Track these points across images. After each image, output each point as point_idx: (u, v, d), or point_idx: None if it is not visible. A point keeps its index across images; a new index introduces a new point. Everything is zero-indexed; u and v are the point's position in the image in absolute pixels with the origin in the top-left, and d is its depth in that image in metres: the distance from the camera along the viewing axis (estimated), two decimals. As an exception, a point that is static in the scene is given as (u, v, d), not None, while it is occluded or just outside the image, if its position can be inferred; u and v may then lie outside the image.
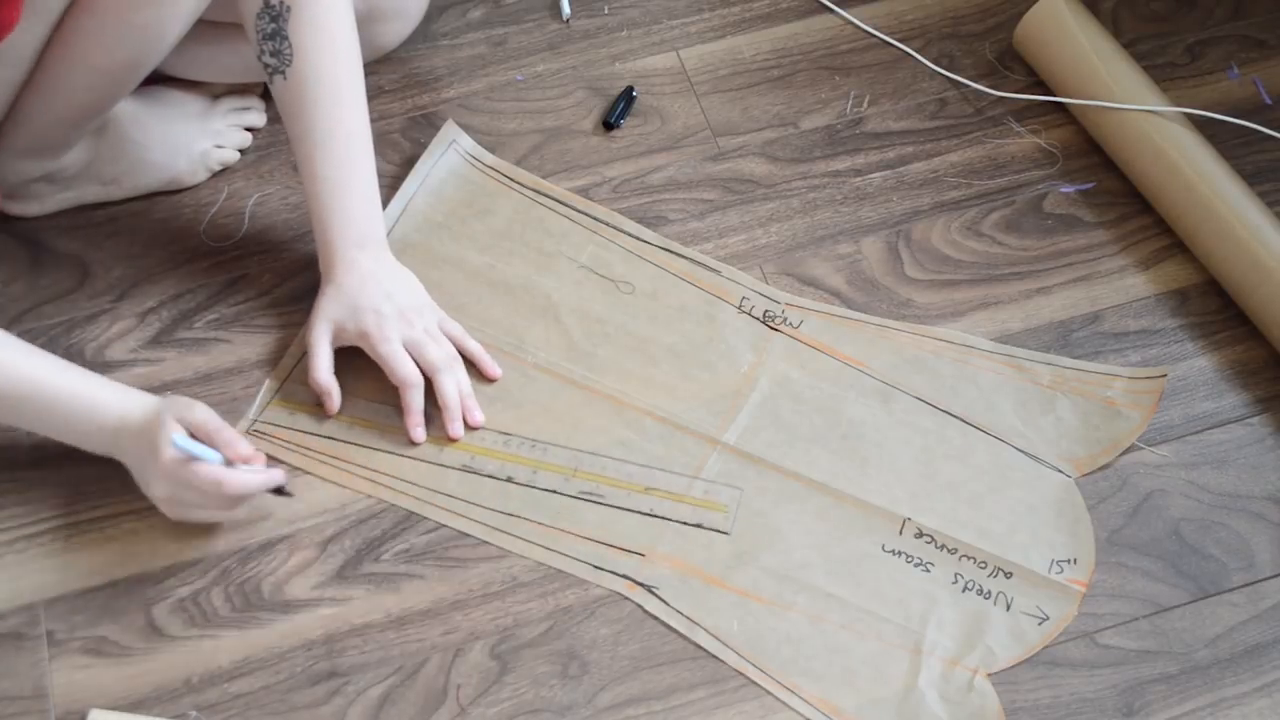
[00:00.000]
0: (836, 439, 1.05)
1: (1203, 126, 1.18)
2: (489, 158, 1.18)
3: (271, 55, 1.01)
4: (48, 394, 0.93)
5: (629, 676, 0.95)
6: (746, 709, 0.94)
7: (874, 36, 1.28)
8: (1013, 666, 0.96)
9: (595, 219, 1.15)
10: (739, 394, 1.07)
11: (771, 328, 1.10)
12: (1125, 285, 1.14)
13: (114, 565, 0.98)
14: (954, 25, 1.29)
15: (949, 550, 1.00)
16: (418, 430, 1.03)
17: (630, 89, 1.23)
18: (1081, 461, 1.05)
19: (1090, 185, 1.20)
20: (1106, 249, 1.16)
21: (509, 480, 1.02)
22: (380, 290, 1.03)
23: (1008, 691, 0.95)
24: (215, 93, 1.17)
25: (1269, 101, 1.25)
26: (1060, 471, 1.04)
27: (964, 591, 0.99)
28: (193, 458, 0.92)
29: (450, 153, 1.18)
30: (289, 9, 0.99)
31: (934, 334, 1.10)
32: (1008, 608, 0.98)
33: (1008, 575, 0.99)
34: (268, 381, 1.06)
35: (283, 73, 1.01)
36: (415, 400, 1.03)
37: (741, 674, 0.96)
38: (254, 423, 1.04)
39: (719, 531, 1.00)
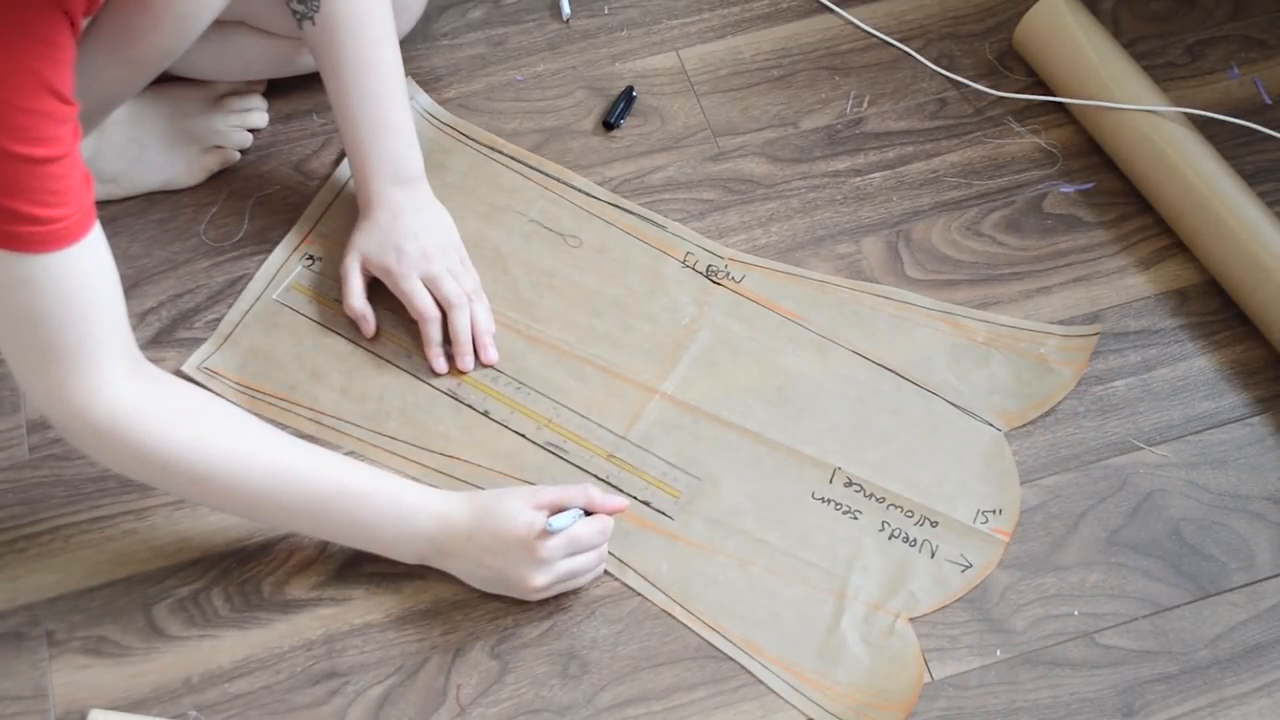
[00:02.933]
0: (772, 390, 1.07)
1: (1203, 126, 1.18)
2: (445, 115, 1.21)
3: (299, 1, 1.03)
4: (353, 501, 0.92)
5: (629, 676, 0.96)
6: (747, 709, 0.94)
7: (874, 36, 1.28)
8: (934, 611, 0.98)
9: (547, 175, 1.18)
10: (679, 345, 1.09)
11: (714, 282, 1.12)
12: (1125, 285, 1.14)
13: (114, 565, 0.98)
14: (954, 25, 1.29)
15: (877, 499, 1.02)
16: (437, 361, 1.07)
17: (630, 89, 1.23)
18: (1012, 416, 1.07)
19: (1090, 185, 1.20)
20: (1106, 249, 1.16)
21: (485, 414, 1.05)
22: (408, 228, 1.06)
23: (1007, 691, 0.95)
24: (218, 92, 1.17)
25: (1269, 101, 1.25)
26: (991, 425, 1.06)
27: (890, 539, 1.01)
28: (559, 530, 0.91)
29: None
30: None
31: (873, 289, 1.12)
32: (932, 555, 1.00)
33: (933, 524, 1.02)
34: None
35: (311, 18, 1.03)
36: (433, 333, 1.06)
37: (669, 614, 0.98)
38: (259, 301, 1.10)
39: (663, 514, 1.01)
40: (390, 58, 1.06)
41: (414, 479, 0.96)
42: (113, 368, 0.84)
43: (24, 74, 0.72)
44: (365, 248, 1.07)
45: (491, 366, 1.07)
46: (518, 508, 0.92)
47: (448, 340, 1.07)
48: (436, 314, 1.06)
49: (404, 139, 1.07)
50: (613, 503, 0.96)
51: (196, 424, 0.88)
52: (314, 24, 1.04)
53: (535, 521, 0.91)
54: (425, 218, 1.08)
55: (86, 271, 0.80)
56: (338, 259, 1.10)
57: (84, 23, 0.77)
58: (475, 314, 1.07)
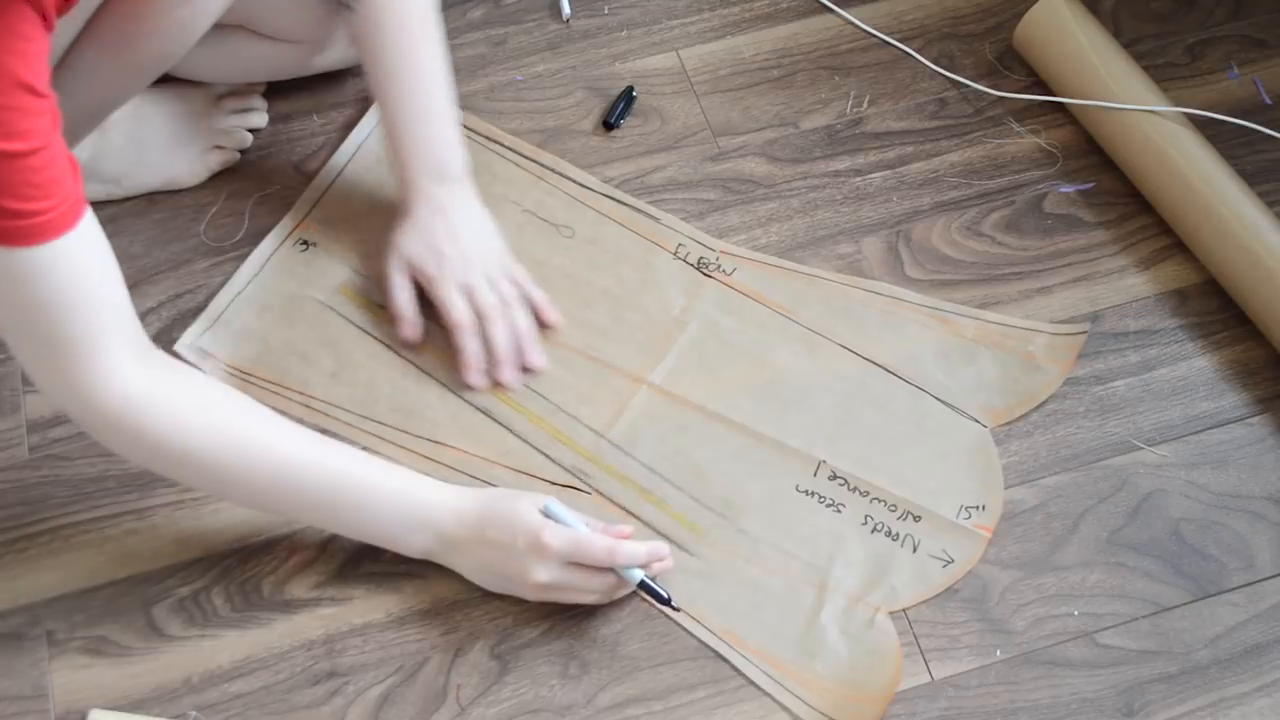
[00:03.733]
0: (760, 383, 1.07)
1: (1203, 126, 1.18)
2: None
3: None
4: (364, 492, 0.92)
5: (629, 676, 0.96)
6: (746, 709, 0.94)
7: (874, 36, 1.28)
8: (915, 605, 0.98)
9: (542, 165, 1.18)
10: (668, 337, 1.09)
11: (705, 274, 1.13)
12: (1125, 285, 1.14)
13: (114, 565, 0.98)
14: (954, 25, 1.29)
15: (861, 493, 1.03)
16: (472, 375, 1.03)
17: (630, 89, 1.23)
18: (998, 412, 1.07)
19: (1090, 185, 1.20)
20: (1106, 249, 1.16)
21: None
22: (448, 231, 1.04)
23: (1007, 691, 0.95)
24: (217, 93, 1.17)
25: (1269, 101, 1.25)
26: (977, 421, 1.06)
27: (873, 533, 1.01)
28: (565, 526, 0.91)
29: None
30: None
31: (863, 285, 1.12)
32: (914, 549, 1.00)
33: (916, 519, 1.02)
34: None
35: (350, 4, 1.01)
36: (468, 344, 1.03)
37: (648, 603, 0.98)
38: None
39: (686, 552, 1.00)
40: (434, 51, 1.04)
41: (403, 466, 0.96)
42: (120, 355, 0.83)
43: None
44: (405, 248, 1.05)
45: (532, 373, 1.05)
46: (528, 506, 0.92)
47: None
48: (472, 322, 1.03)
49: (447, 134, 1.05)
50: (618, 528, 0.95)
51: (209, 413, 0.88)
52: (353, 11, 1.01)
53: (535, 511, 0.92)
54: (468, 219, 1.06)
55: (80, 260, 0.79)
56: (332, 244, 1.10)
57: (58, 20, 0.77)
58: (515, 320, 1.05)
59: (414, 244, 1.05)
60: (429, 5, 1.04)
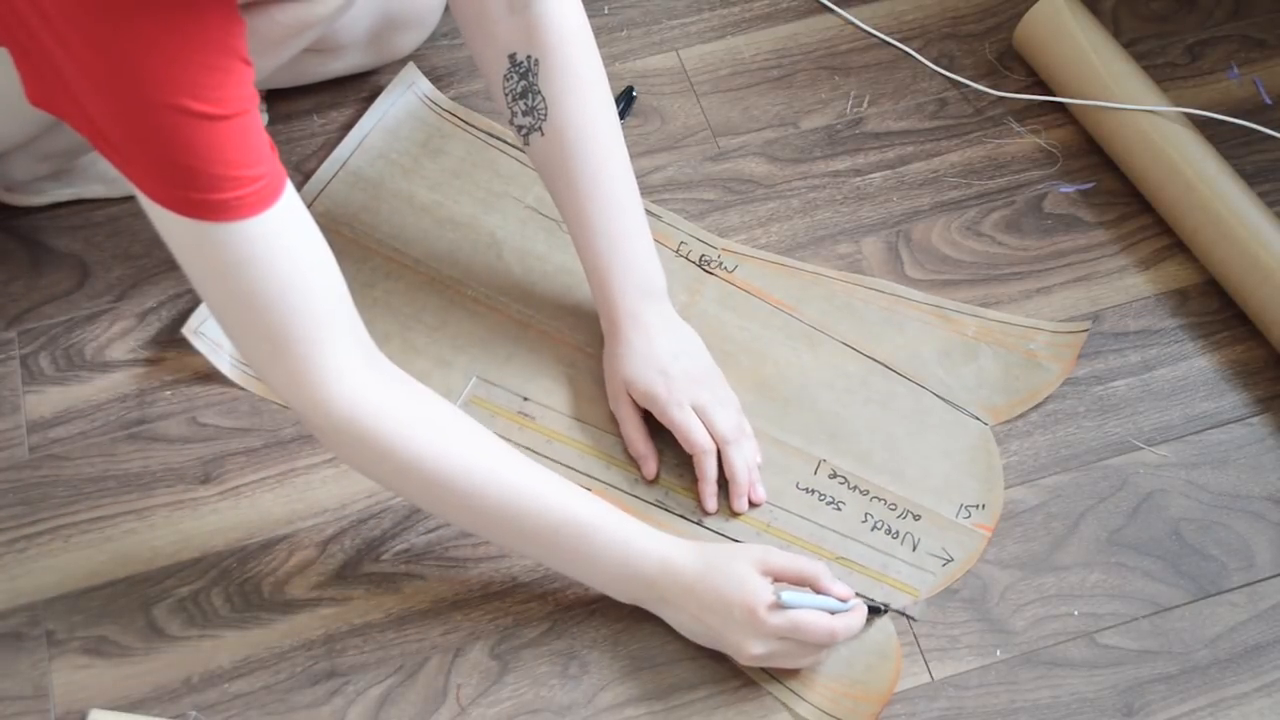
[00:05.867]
0: (761, 380, 1.08)
1: (1203, 126, 1.18)
2: (446, 101, 1.21)
3: (525, 114, 0.99)
4: (583, 534, 0.89)
5: (629, 676, 0.96)
6: (746, 709, 0.94)
7: (874, 36, 1.28)
8: (914, 603, 0.98)
9: None
10: None
11: (707, 271, 1.13)
12: (1125, 285, 1.14)
13: (114, 565, 0.98)
14: (954, 25, 1.29)
15: (861, 491, 1.03)
16: (711, 500, 1.00)
17: (630, 89, 1.23)
18: (999, 410, 1.07)
19: (1090, 185, 1.20)
20: (1106, 249, 1.16)
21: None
22: (667, 349, 1.01)
23: (1007, 691, 0.95)
24: (217, 93, 1.17)
25: (1269, 101, 1.25)
26: (978, 419, 1.06)
27: (873, 530, 1.01)
28: (791, 607, 0.89)
29: (409, 94, 1.21)
30: (537, 62, 0.97)
31: (865, 282, 1.13)
32: (914, 548, 1.01)
33: (916, 517, 1.02)
34: None
35: (539, 129, 0.99)
36: (711, 468, 1.00)
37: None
38: None
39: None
40: (624, 165, 1.01)
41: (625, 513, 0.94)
42: (349, 357, 0.82)
43: (207, 35, 0.70)
44: (627, 374, 1.01)
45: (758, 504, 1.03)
46: (746, 571, 0.90)
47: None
48: (713, 447, 0.99)
49: (645, 247, 1.02)
50: (839, 589, 0.93)
51: (438, 431, 0.86)
52: (542, 134, 0.99)
53: (762, 590, 0.89)
54: (680, 337, 1.03)
55: (287, 236, 0.77)
56: (330, 233, 1.09)
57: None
58: (745, 450, 1.02)
59: (633, 368, 1.01)
60: (613, 115, 1.01)
